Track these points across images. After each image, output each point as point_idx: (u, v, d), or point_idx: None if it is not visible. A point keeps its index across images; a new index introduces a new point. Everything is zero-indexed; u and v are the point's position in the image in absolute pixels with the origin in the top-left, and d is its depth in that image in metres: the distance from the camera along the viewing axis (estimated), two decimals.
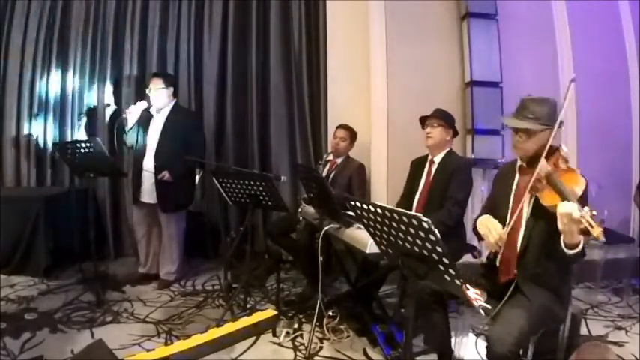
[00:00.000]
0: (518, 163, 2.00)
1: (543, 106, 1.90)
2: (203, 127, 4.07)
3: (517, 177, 1.98)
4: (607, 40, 4.07)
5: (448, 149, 2.89)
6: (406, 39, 3.85)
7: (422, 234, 1.52)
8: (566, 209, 1.54)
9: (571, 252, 1.63)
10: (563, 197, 1.62)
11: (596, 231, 1.46)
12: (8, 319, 2.82)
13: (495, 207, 2.07)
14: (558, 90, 3.93)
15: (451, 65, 3.90)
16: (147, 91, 3.50)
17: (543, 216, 1.76)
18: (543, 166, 1.77)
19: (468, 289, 1.78)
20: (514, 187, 1.99)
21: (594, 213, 1.48)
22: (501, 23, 3.84)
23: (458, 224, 2.85)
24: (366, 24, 3.92)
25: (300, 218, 3.27)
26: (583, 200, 1.66)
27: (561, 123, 1.89)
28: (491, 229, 1.87)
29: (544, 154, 1.78)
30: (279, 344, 2.68)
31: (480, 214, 2.19)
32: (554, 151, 1.84)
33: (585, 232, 1.52)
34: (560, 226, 1.58)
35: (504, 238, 1.84)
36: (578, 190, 1.69)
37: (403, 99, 3.77)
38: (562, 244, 1.64)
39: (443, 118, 2.86)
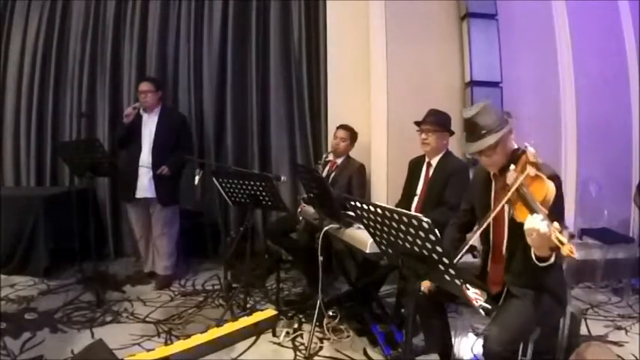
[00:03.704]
0: (492, 172, 1.95)
1: (487, 115, 1.84)
2: (191, 127, 4.11)
3: (493, 185, 1.94)
4: (607, 40, 4.06)
5: (445, 151, 2.89)
6: (406, 39, 3.84)
7: (422, 234, 1.52)
8: (533, 224, 1.49)
9: (543, 264, 1.62)
10: (532, 211, 1.56)
11: (567, 248, 1.39)
12: (8, 319, 2.83)
13: (475, 209, 2.06)
14: (558, 90, 3.94)
15: (451, 65, 3.89)
16: (139, 94, 3.54)
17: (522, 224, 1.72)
18: (511, 175, 1.71)
19: (468, 289, 1.79)
20: (492, 197, 1.94)
21: (564, 229, 1.44)
22: (501, 23, 3.82)
23: None
24: (366, 24, 3.91)
25: (300, 218, 3.27)
26: (556, 207, 1.63)
27: (509, 114, 1.89)
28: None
29: (516, 167, 1.70)
30: (279, 344, 2.69)
31: (460, 213, 2.18)
32: (520, 155, 1.75)
33: (555, 249, 1.47)
34: (529, 241, 1.54)
35: (431, 287, 1.87)
36: (548, 198, 1.61)
37: (403, 99, 3.76)
38: (534, 256, 1.62)
39: (437, 123, 2.84)
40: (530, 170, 1.65)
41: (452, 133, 2.92)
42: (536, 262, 1.62)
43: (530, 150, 1.70)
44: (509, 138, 1.84)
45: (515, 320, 1.76)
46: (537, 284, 1.81)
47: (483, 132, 1.81)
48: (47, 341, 2.60)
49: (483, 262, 2.05)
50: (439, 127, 2.83)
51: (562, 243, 1.40)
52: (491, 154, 1.83)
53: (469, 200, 2.14)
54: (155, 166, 3.49)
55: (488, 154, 1.83)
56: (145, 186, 3.51)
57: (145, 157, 3.52)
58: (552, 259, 1.60)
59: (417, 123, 2.92)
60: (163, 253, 3.65)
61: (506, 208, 1.81)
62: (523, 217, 1.58)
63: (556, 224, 1.44)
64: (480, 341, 2.23)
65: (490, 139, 1.79)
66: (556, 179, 1.69)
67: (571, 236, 1.44)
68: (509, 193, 1.65)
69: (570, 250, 1.39)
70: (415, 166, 3.02)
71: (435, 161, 2.88)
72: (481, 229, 1.82)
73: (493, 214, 1.76)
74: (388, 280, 3.20)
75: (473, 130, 1.85)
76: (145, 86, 3.54)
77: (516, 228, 1.68)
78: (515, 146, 1.85)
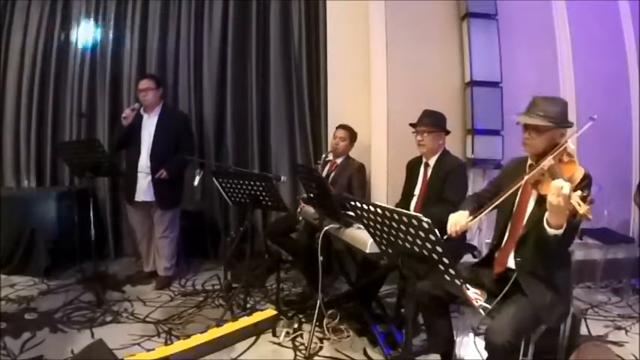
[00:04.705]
0: (529, 162, 2.00)
1: (553, 105, 1.92)
2: (192, 126, 4.09)
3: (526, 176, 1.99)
4: (607, 40, 4.07)
5: (442, 150, 2.91)
6: (406, 39, 3.84)
7: (422, 234, 1.53)
8: (558, 183, 1.57)
9: (552, 232, 1.66)
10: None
11: (583, 209, 1.49)
12: (8, 319, 2.82)
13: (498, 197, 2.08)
14: (558, 90, 3.93)
15: (451, 65, 3.90)
16: (139, 93, 3.51)
17: (545, 212, 1.77)
18: (547, 161, 1.79)
19: (468, 289, 1.79)
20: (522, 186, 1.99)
21: (585, 194, 1.53)
22: (501, 23, 3.83)
23: None
24: (366, 24, 3.91)
25: (300, 218, 3.27)
26: (579, 186, 1.68)
27: (572, 124, 1.95)
28: (459, 215, 1.98)
29: (554, 153, 1.80)
30: (279, 344, 2.69)
31: (480, 195, 2.22)
32: (560, 148, 1.85)
33: (573, 214, 1.55)
34: (549, 199, 1.60)
35: (463, 227, 1.92)
36: (575, 177, 1.73)
37: (403, 99, 3.76)
38: (545, 222, 1.67)
39: (433, 123, 2.85)
40: (565, 158, 1.81)
41: (447, 132, 2.93)
42: (547, 227, 1.66)
43: (570, 145, 1.84)
44: (559, 137, 1.90)
45: (519, 314, 1.78)
46: (545, 273, 1.84)
47: (540, 113, 1.89)
48: (47, 341, 2.59)
49: (494, 247, 2.08)
50: (434, 127, 2.85)
51: (579, 205, 1.50)
52: (535, 136, 1.90)
53: (497, 185, 2.15)
54: (154, 170, 3.45)
55: (532, 135, 1.91)
56: (144, 189, 3.49)
57: (144, 161, 3.49)
58: (561, 231, 1.64)
59: (413, 125, 2.93)
60: (164, 254, 3.64)
61: (532, 200, 1.92)
62: (548, 190, 1.66)
63: (578, 192, 1.54)
64: (480, 340, 2.23)
65: (539, 120, 1.87)
66: (588, 177, 1.78)
67: (590, 200, 1.54)
68: (542, 163, 1.78)
69: (587, 211, 1.49)
70: (413, 166, 3.04)
71: (432, 161, 2.90)
72: (507, 194, 1.88)
73: (525, 179, 1.85)
74: (388, 280, 3.20)
75: (533, 107, 1.94)
76: (145, 84, 3.50)
77: (537, 216, 1.77)
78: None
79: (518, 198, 1.99)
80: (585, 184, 1.73)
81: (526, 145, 1.95)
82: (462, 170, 2.85)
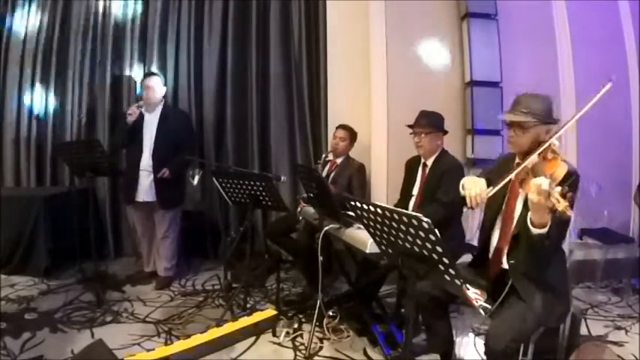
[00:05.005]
0: (516, 160, 1.99)
1: (536, 101, 1.91)
2: (192, 125, 4.09)
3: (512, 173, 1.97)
4: (607, 40, 4.07)
5: (440, 150, 2.91)
6: (406, 39, 3.85)
7: (422, 234, 1.53)
8: (537, 181, 1.55)
9: (536, 231, 1.65)
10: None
11: (562, 205, 1.47)
12: (8, 319, 2.83)
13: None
14: (558, 90, 3.93)
15: (451, 65, 3.90)
16: (145, 90, 3.50)
17: None
18: (532, 159, 1.78)
19: (468, 289, 1.79)
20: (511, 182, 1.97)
21: (565, 190, 1.50)
22: (501, 23, 3.83)
23: (455, 225, 2.85)
24: (366, 24, 3.91)
25: (300, 218, 3.28)
26: (562, 184, 1.64)
27: (557, 120, 1.92)
28: (477, 183, 1.87)
29: (539, 151, 1.78)
30: (279, 344, 2.69)
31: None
32: (546, 146, 1.84)
33: (553, 210, 1.53)
34: (529, 197, 1.59)
35: (484, 198, 1.83)
36: (557, 174, 1.70)
37: (403, 99, 3.76)
38: (529, 222, 1.66)
39: (430, 124, 2.84)
40: (549, 155, 1.78)
41: (445, 132, 2.93)
42: (531, 227, 1.66)
43: (555, 142, 1.80)
44: (544, 134, 1.88)
45: (518, 319, 1.77)
46: (539, 275, 1.83)
47: (524, 110, 1.89)
48: (47, 341, 2.60)
49: (482, 248, 2.07)
50: (432, 128, 2.85)
51: (559, 201, 1.47)
52: (520, 133, 1.89)
53: (487, 179, 2.09)
54: (156, 169, 3.44)
55: (517, 132, 1.90)
56: (145, 189, 3.49)
57: (146, 160, 3.48)
58: (545, 230, 1.64)
59: (410, 126, 2.93)
60: (165, 255, 3.64)
61: (520, 200, 1.90)
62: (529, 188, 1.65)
63: (558, 188, 1.50)
64: (480, 340, 2.23)
65: (522, 117, 1.87)
66: (574, 174, 1.74)
67: (570, 198, 1.52)
68: (527, 161, 1.77)
69: (565, 207, 1.46)
70: (412, 165, 3.04)
71: (430, 162, 2.90)
72: (497, 188, 1.82)
73: (512, 175, 1.82)
74: (388, 280, 3.21)
75: (517, 105, 1.94)
76: (151, 81, 3.50)
77: (525, 216, 1.73)
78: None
79: (506, 197, 1.98)
80: (571, 181, 1.71)
81: (511, 143, 1.95)
82: (457, 171, 2.81)
